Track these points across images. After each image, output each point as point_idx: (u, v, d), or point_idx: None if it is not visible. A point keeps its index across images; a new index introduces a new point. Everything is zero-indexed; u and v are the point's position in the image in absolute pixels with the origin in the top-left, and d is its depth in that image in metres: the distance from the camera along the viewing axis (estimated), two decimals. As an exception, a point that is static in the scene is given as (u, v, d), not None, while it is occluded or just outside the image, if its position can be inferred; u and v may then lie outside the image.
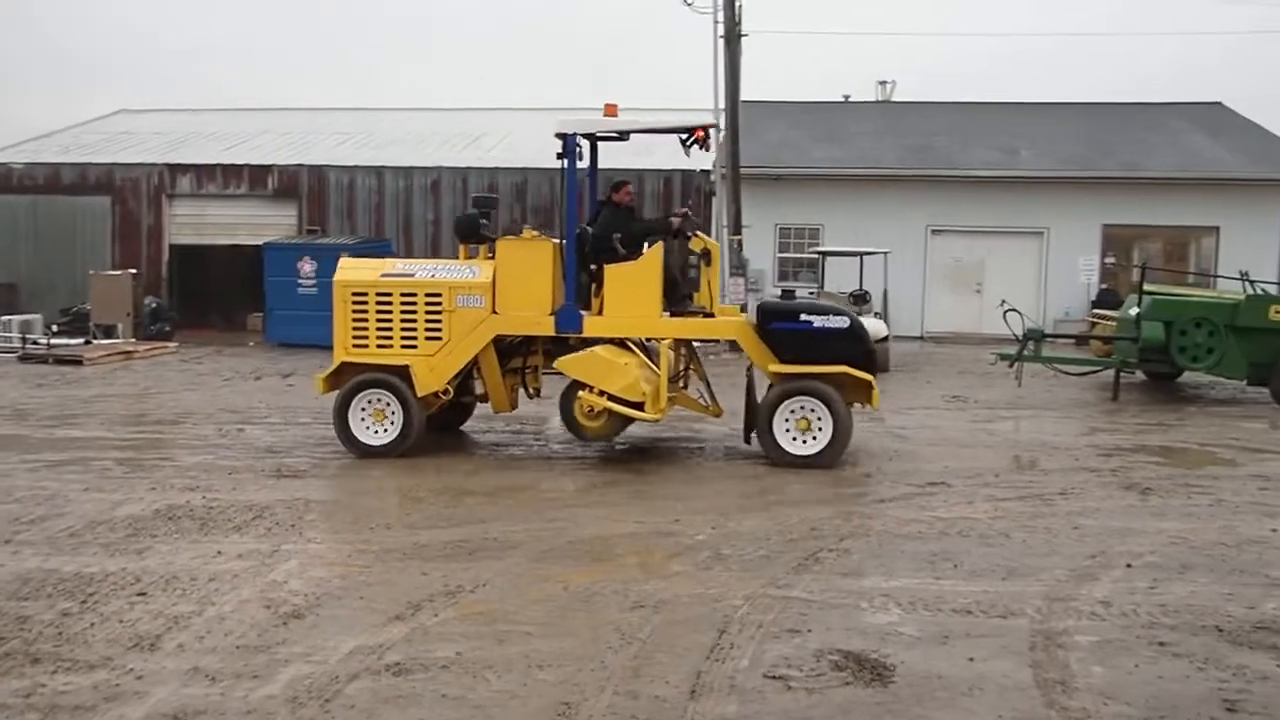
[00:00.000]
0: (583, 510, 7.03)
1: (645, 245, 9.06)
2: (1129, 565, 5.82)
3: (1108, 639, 4.67)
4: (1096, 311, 19.49)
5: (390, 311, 8.91)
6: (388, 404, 8.84)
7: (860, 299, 17.05)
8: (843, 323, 8.73)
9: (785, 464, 8.51)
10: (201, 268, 22.48)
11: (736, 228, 19.65)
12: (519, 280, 8.87)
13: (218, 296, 22.31)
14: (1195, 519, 7.00)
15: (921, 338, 22.61)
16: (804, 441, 8.58)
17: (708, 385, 9.57)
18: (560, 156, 8.95)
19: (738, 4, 19.66)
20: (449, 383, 8.92)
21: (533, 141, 24.03)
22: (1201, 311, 12.60)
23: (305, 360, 15.41)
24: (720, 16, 19.84)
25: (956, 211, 22.53)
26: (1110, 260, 22.52)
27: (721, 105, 20.09)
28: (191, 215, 22.58)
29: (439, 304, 8.85)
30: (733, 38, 19.72)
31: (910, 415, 11.71)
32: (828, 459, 8.53)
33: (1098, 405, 12.59)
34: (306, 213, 22.28)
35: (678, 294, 9.19)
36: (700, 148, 9.10)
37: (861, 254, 18.32)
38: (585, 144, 9.23)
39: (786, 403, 8.58)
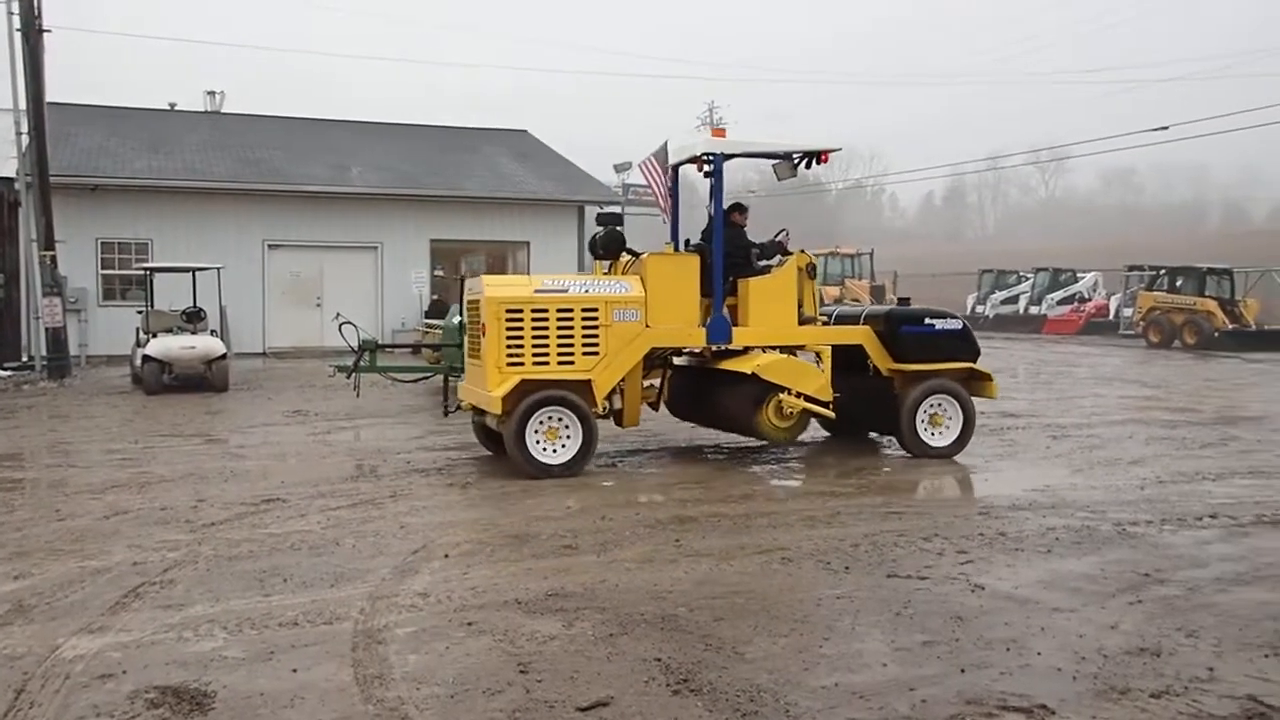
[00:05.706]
0: None
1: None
2: (447, 555, 6.34)
3: (424, 627, 5.05)
4: (427, 321, 20.79)
5: (546, 328, 8.83)
6: (562, 421, 8.79)
7: (194, 316, 16.37)
8: (957, 325, 9.95)
9: (922, 456, 9.62)
10: None
11: (48, 243, 17.76)
12: (669, 294, 9.23)
13: None
14: (500, 506, 7.83)
15: (264, 353, 22.31)
16: (938, 433, 9.73)
17: None
18: (708, 175, 9.49)
19: (35, -4, 17.77)
20: (605, 398, 9.09)
21: None
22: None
23: None
24: (15, 7, 17.80)
25: (293, 226, 22.61)
26: (439, 273, 24.12)
27: (23, 106, 18.05)
28: None
29: (595, 319, 8.94)
30: (32, 31, 17.79)
31: (250, 433, 11.56)
32: (957, 449, 9.73)
33: (431, 410, 13.46)
34: None
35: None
36: (802, 169, 9.82)
37: (194, 269, 17.58)
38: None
39: (926, 400, 9.63)
